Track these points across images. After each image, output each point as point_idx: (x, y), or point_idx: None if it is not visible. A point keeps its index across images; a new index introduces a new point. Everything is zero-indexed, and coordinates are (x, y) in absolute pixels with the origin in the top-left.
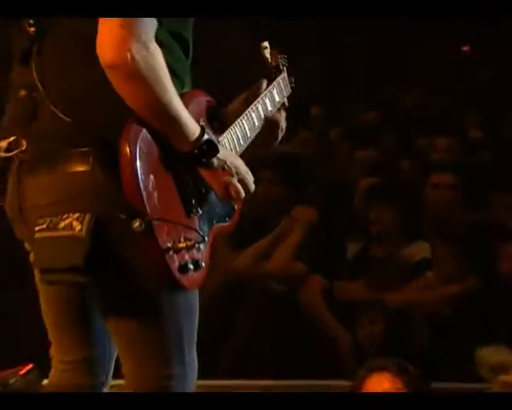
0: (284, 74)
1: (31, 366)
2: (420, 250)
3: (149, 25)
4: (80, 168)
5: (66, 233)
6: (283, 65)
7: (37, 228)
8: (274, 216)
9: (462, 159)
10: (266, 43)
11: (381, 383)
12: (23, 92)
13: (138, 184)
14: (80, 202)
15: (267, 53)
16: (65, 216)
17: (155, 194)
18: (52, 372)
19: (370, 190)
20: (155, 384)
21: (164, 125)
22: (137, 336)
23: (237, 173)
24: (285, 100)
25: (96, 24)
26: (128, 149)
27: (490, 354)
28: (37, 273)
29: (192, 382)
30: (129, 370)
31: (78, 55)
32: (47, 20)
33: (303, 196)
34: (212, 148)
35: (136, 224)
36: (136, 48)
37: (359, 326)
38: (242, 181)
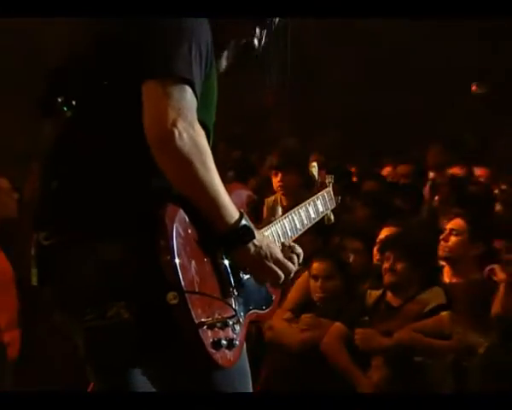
0: (329, 189)
1: None
2: (435, 297)
3: (194, 105)
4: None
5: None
6: (330, 182)
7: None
8: None
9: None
10: (315, 164)
11: None
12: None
13: (173, 257)
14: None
15: (315, 171)
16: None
17: (191, 270)
18: None
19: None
20: None
21: (203, 204)
22: None
23: (273, 257)
24: (329, 213)
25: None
26: (165, 227)
27: None
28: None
29: None
30: None
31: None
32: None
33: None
34: (248, 233)
35: (171, 296)
36: (183, 126)
37: (374, 369)
38: (280, 264)
